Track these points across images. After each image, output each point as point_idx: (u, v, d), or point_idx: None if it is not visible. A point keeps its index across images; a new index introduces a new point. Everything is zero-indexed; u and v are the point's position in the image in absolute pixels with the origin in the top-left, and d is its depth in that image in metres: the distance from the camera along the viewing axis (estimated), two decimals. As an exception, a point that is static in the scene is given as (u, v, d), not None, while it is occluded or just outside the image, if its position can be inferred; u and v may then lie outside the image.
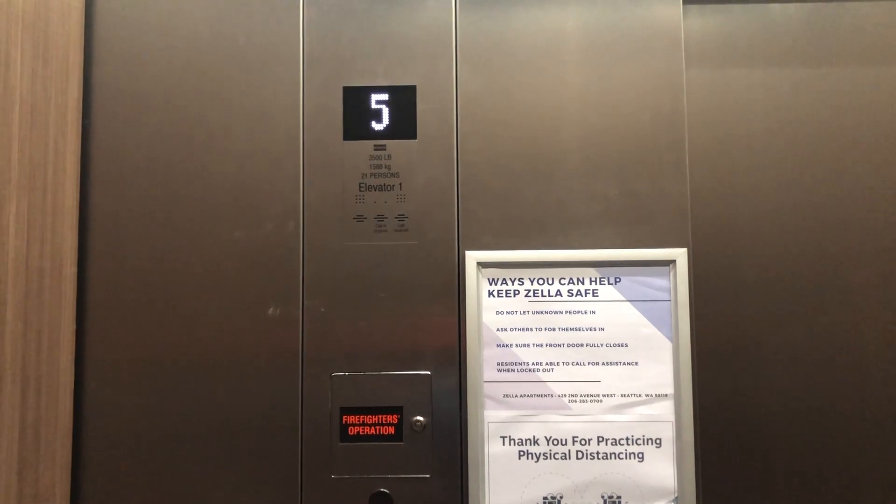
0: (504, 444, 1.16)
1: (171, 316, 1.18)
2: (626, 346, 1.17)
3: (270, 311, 1.18)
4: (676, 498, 1.15)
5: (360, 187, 1.20)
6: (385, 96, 1.21)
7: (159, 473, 1.16)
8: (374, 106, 1.21)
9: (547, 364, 1.17)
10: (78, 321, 1.18)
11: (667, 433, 1.16)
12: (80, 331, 1.18)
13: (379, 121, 1.21)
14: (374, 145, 1.21)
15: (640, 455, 1.16)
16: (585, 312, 1.18)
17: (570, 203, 1.20)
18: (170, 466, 1.16)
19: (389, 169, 1.20)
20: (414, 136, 1.21)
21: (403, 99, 1.21)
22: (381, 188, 1.20)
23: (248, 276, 1.18)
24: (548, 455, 1.16)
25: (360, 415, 1.16)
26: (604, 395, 1.17)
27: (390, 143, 1.21)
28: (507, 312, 1.19)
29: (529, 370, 1.17)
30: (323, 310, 1.18)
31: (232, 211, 1.20)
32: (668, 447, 1.15)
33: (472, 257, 1.18)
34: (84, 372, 1.17)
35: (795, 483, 1.20)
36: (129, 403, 1.17)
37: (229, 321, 1.18)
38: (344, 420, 1.16)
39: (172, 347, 1.18)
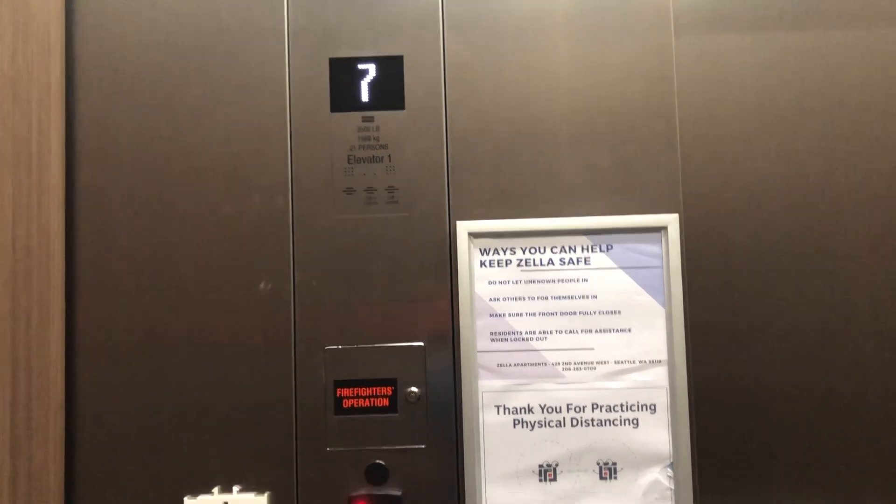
0: (499, 414, 1.16)
1: (161, 291, 1.17)
2: (619, 313, 1.17)
3: (262, 285, 1.17)
4: (671, 463, 1.15)
5: (348, 160, 1.19)
6: (372, 67, 1.19)
7: (153, 450, 1.16)
8: (361, 77, 1.19)
9: (540, 333, 1.17)
10: (67, 299, 1.17)
11: (661, 399, 1.16)
12: (70, 308, 1.17)
13: (366, 92, 1.19)
14: (362, 117, 1.19)
15: (635, 421, 1.16)
16: (578, 280, 1.18)
17: (561, 171, 1.19)
18: (164, 442, 1.16)
19: (378, 140, 1.19)
20: (402, 107, 1.19)
21: (391, 69, 1.19)
22: (371, 160, 1.19)
23: (238, 250, 1.18)
24: (542, 423, 1.16)
25: (354, 387, 1.16)
26: (597, 363, 1.17)
27: (378, 115, 1.19)
28: (500, 282, 1.18)
29: (523, 339, 1.17)
30: (314, 283, 1.17)
31: (220, 186, 1.19)
32: (663, 413, 1.16)
33: (464, 227, 1.17)
34: (75, 349, 1.17)
35: (790, 447, 1.21)
36: (121, 380, 1.17)
37: (220, 296, 1.17)
38: (338, 393, 1.16)
39: (163, 323, 1.17)
